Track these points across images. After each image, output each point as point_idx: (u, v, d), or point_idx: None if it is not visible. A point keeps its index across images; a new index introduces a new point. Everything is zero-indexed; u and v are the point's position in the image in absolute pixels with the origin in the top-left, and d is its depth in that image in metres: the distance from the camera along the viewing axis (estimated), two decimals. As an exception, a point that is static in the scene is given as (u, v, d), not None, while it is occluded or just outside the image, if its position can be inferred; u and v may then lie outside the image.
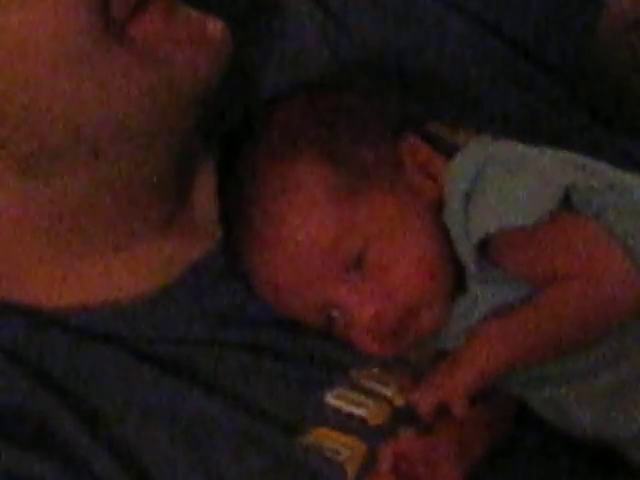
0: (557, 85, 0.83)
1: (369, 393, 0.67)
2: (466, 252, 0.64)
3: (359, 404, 0.67)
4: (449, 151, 0.69)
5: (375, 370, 0.67)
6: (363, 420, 0.66)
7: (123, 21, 0.59)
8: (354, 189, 0.66)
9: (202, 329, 0.68)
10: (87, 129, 0.61)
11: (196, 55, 0.62)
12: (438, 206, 0.67)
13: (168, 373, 0.66)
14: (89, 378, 0.66)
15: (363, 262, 0.65)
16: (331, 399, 0.66)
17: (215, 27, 0.63)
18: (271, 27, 0.80)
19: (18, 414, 0.64)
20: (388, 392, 0.67)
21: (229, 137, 0.71)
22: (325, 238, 0.65)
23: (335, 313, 0.66)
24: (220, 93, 0.69)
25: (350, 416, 0.66)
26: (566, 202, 0.63)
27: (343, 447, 0.65)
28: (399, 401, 0.66)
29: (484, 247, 0.63)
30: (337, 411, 0.66)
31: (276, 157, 0.67)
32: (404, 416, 0.66)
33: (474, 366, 0.62)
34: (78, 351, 0.66)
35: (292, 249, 0.66)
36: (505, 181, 0.64)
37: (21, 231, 0.65)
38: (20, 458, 0.62)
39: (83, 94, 0.60)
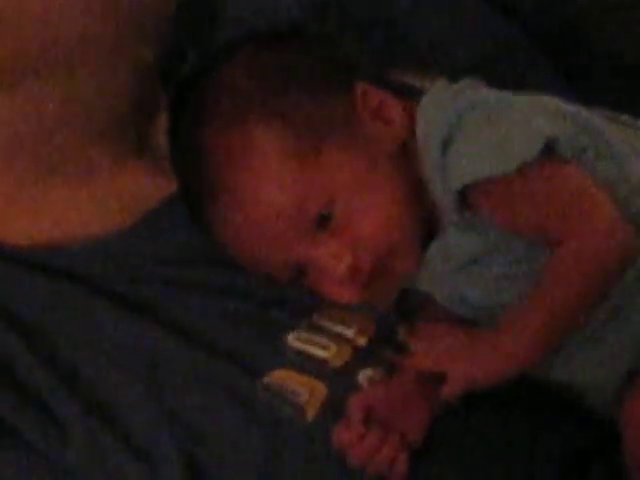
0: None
1: (330, 334, 0.69)
2: (446, 200, 0.64)
3: (320, 346, 0.68)
4: (415, 95, 0.69)
5: (336, 311, 0.68)
6: (324, 361, 0.67)
7: None
8: (311, 147, 0.66)
9: (163, 269, 0.69)
10: (57, 43, 0.62)
11: None
12: (402, 150, 0.67)
13: (129, 311, 0.67)
14: (48, 315, 0.67)
15: (331, 217, 0.65)
16: (292, 341, 0.67)
17: None
18: None
19: None
20: (349, 333, 0.68)
21: (179, 91, 0.71)
22: (289, 201, 0.65)
23: (308, 268, 0.67)
24: (181, 37, 0.72)
25: (311, 358, 0.67)
26: (547, 149, 0.63)
27: (303, 388, 0.66)
28: (360, 341, 0.68)
29: (464, 195, 0.63)
30: (298, 353, 0.67)
31: (227, 124, 0.67)
32: (365, 356, 0.67)
33: (488, 373, 0.62)
34: (36, 287, 0.67)
35: (257, 216, 0.66)
36: (485, 129, 0.64)
37: None
38: None
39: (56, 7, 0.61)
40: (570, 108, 0.66)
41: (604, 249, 0.62)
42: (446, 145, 0.64)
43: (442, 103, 0.66)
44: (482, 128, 0.64)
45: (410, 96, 0.69)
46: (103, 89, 0.66)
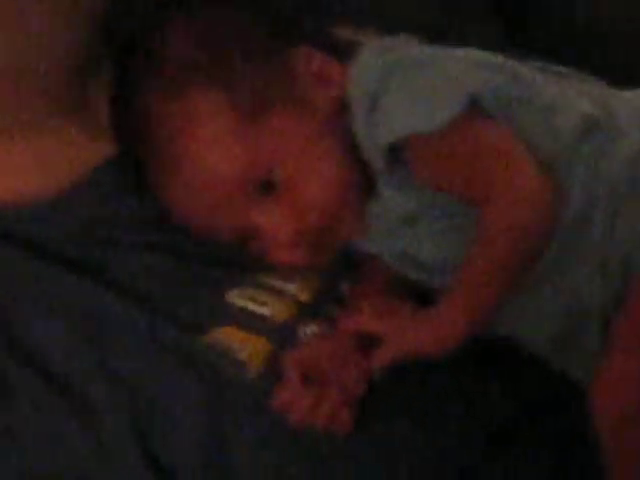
0: None
1: (273, 291, 0.70)
2: (375, 159, 0.65)
3: (263, 303, 0.70)
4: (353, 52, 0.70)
5: (280, 269, 0.69)
6: (266, 318, 0.69)
7: None
8: (252, 113, 0.68)
9: (105, 230, 0.71)
10: None
11: None
12: (340, 112, 0.68)
13: (72, 272, 0.68)
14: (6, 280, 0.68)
15: (275, 183, 0.67)
16: (235, 298, 0.69)
17: None
18: None
19: None
20: (293, 289, 0.70)
21: (120, 54, 0.72)
22: (232, 168, 0.67)
23: (253, 233, 0.69)
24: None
25: (254, 314, 0.69)
26: (472, 105, 0.64)
27: (246, 345, 0.67)
28: (304, 297, 0.70)
29: (394, 152, 0.64)
30: (241, 310, 0.69)
31: (168, 92, 0.69)
32: (309, 312, 0.69)
33: (423, 345, 0.63)
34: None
35: (202, 183, 0.68)
36: (410, 85, 0.65)
37: None
38: None
39: None
40: (499, 60, 0.67)
41: (527, 214, 0.63)
42: (374, 102, 0.65)
43: (371, 60, 0.67)
44: (408, 85, 0.65)
45: (350, 54, 0.69)
46: (55, 40, 0.67)
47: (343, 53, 0.72)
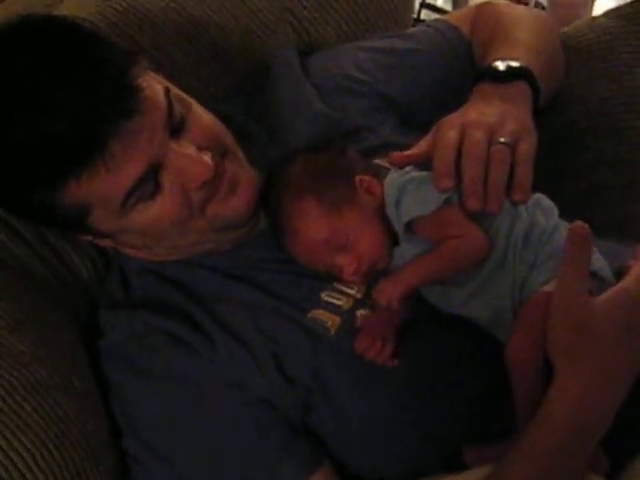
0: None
1: (342, 292, 1.04)
2: (399, 229, 0.98)
3: (338, 298, 1.03)
4: (384, 172, 1.03)
5: (346, 282, 1.03)
6: (339, 306, 1.03)
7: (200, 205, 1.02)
8: (334, 209, 1.00)
9: (263, 262, 1.08)
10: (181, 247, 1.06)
11: (228, 203, 1.04)
12: (380, 207, 1.00)
13: (239, 282, 1.06)
14: (206, 290, 1.07)
15: (345, 244, 1.00)
16: (323, 295, 1.03)
17: (244, 178, 1.05)
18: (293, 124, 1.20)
19: (168, 307, 1.06)
20: (352, 291, 1.04)
21: (269, 176, 1.07)
22: (324, 236, 1.00)
23: (333, 268, 1.01)
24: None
25: (333, 304, 1.02)
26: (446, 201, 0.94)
27: (328, 320, 1.01)
28: (358, 295, 1.03)
29: (409, 225, 0.97)
30: (326, 302, 1.02)
31: (293, 196, 1.01)
32: (360, 303, 1.02)
33: (404, 282, 0.95)
34: (203, 276, 1.08)
35: (307, 242, 1.01)
36: (415, 193, 0.98)
37: None
38: (173, 325, 1.04)
39: (184, 235, 1.04)
40: None
41: (471, 246, 0.95)
42: (397, 202, 0.98)
43: (394, 181, 1.00)
44: (413, 193, 0.97)
45: (381, 173, 1.03)
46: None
47: (380, 174, 1.04)
